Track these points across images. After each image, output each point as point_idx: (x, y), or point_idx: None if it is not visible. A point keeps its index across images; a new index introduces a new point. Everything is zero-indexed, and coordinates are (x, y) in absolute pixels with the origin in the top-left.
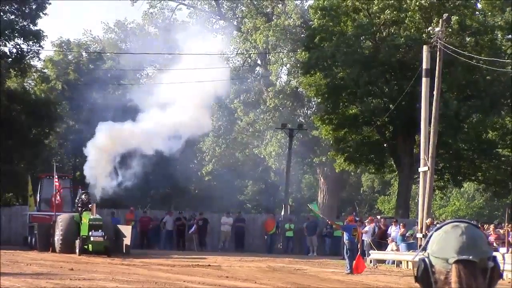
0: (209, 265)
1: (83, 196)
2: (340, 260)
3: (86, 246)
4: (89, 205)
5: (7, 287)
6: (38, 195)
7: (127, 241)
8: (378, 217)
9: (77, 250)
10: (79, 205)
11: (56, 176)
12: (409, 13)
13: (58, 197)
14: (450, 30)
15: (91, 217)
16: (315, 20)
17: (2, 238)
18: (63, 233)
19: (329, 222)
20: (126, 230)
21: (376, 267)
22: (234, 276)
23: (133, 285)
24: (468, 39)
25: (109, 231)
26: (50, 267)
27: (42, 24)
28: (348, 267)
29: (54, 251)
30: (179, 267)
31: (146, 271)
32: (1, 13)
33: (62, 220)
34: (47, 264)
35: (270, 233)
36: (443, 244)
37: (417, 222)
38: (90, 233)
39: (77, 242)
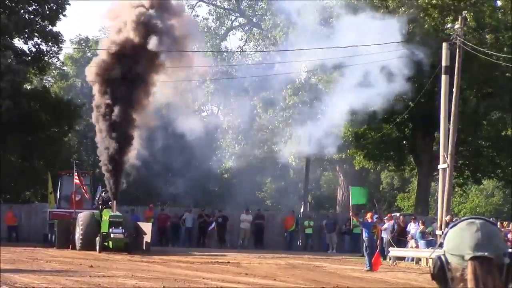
0: (229, 262)
1: (103, 194)
2: (359, 258)
3: (106, 243)
4: (109, 203)
5: (26, 284)
6: (58, 192)
7: (147, 238)
8: (397, 214)
9: (97, 247)
10: (99, 202)
11: (77, 173)
12: (428, 11)
13: (86, 194)
14: (467, 28)
15: (112, 214)
16: (334, 17)
17: (22, 235)
18: (83, 230)
19: (351, 214)
20: (146, 227)
21: (396, 264)
22: (254, 273)
23: (152, 282)
24: (487, 36)
25: (130, 228)
26: (69, 264)
27: (59, 22)
28: (368, 264)
29: (74, 248)
30: (198, 264)
31: (166, 268)
32: (21, 12)
33: (82, 217)
34: (67, 261)
35: (289, 230)
36: (458, 241)
37: (436, 219)
38: (110, 230)
39: (97, 239)
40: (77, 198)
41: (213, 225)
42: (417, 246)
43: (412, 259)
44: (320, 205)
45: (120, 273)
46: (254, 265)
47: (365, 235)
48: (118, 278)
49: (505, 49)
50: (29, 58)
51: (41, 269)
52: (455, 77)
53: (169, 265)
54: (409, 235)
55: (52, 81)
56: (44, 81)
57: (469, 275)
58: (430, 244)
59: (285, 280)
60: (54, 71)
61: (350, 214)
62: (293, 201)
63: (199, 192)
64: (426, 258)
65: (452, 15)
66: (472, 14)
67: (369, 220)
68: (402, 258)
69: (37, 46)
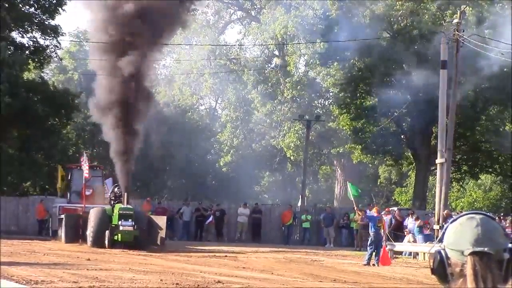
0: (226, 256)
1: (115, 189)
2: (356, 252)
3: (116, 237)
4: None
5: (23, 277)
6: (68, 187)
7: (162, 233)
8: (395, 208)
9: (106, 241)
10: (111, 197)
11: (87, 167)
12: (427, 5)
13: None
14: (465, 22)
15: (122, 206)
16: (333, 11)
17: (19, 227)
18: (94, 226)
19: (355, 209)
20: (161, 221)
21: (393, 258)
22: (251, 267)
23: (150, 275)
24: (486, 31)
25: (142, 222)
26: (67, 257)
27: (58, 16)
28: (367, 258)
29: (84, 243)
30: (195, 257)
31: (163, 261)
32: (20, 5)
33: (94, 213)
34: (64, 254)
35: (287, 224)
36: (458, 236)
37: (433, 214)
38: (120, 222)
39: (107, 232)
40: (88, 193)
41: (211, 218)
42: (414, 241)
43: (410, 254)
44: (318, 199)
45: (118, 266)
46: (251, 259)
47: (371, 230)
48: (116, 271)
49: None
50: (28, 52)
51: (38, 262)
52: (454, 71)
53: (166, 259)
54: (407, 230)
55: (50, 74)
56: (42, 73)
57: (468, 271)
58: (428, 238)
59: (283, 274)
60: (51, 64)
61: (355, 208)
62: (291, 195)
63: (197, 185)
64: (424, 253)
65: (451, 9)
66: (471, 9)
67: (375, 214)
68: (399, 253)
69: (34, 40)
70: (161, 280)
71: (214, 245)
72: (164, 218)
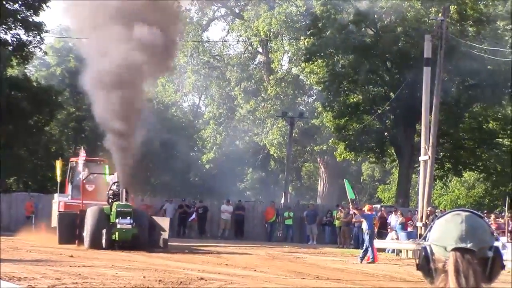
0: (209, 253)
1: (114, 187)
2: (339, 249)
3: (114, 236)
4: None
5: (6, 273)
6: (70, 182)
7: (165, 235)
8: (378, 206)
9: (103, 241)
10: (110, 196)
11: (84, 160)
12: (410, 2)
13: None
14: (449, 19)
15: (119, 203)
16: (317, 7)
17: (3, 224)
18: (92, 227)
19: (352, 207)
20: (164, 222)
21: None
22: (234, 264)
23: (133, 272)
24: (470, 28)
25: (142, 220)
26: (50, 254)
27: (42, 12)
28: (372, 256)
29: (81, 244)
30: (179, 254)
31: (146, 258)
32: (4, 2)
33: (91, 212)
34: (47, 251)
35: (270, 221)
36: (443, 232)
37: (417, 211)
38: (117, 220)
39: (104, 231)
40: (90, 188)
41: (194, 215)
42: (397, 238)
43: (393, 251)
44: (301, 196)
45: (101, 263)
46: (234, 256)
47: (366, 228)
48: (99, 268)
49: (484, 42)
50: (11, 47)
51: (21, 259)
52: (437, 69)
53: (149, 256)
54: (390, 227)
55: (33, 70)
56: (25, 69)
57: (450, 266)
58: (411, 235)
59: (265, 271)
60: (35, 60)
61: (351, 207)
62: (274, 192)
63: (180, 182)
64: (407, 250)
65: (435, 7)
66: (455, 6)
67: (369, 213)
68: (382, 250)
69: (18, 37)
70: (144, 277)
71: (197, 242)
72: (168, 219)
